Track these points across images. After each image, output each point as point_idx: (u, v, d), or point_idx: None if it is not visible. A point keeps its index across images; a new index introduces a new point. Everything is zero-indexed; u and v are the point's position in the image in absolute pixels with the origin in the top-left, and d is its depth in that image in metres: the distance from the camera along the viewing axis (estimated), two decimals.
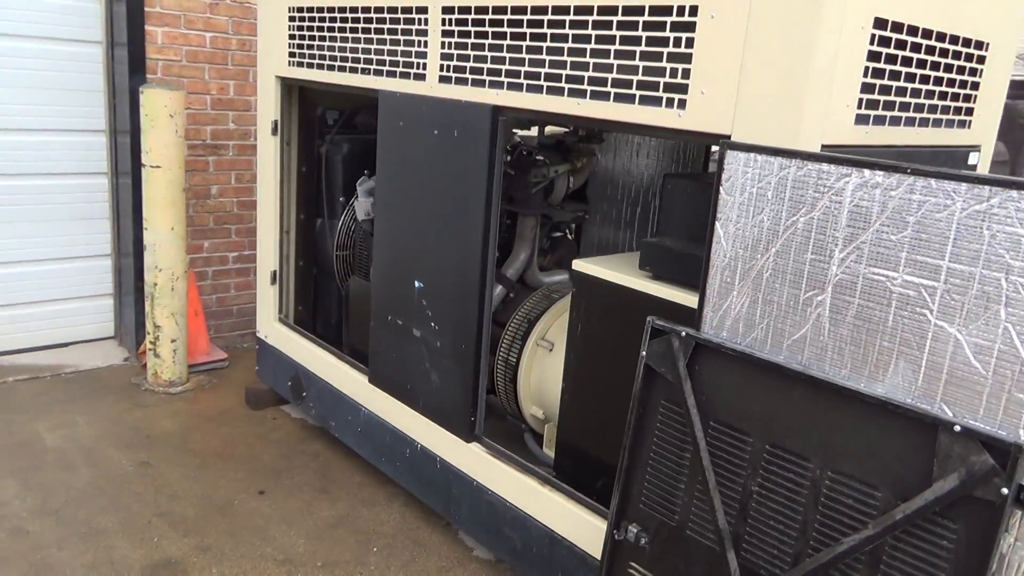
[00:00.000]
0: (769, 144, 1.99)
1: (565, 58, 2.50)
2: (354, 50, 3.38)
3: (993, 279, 1.65)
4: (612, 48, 2.35)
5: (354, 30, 3.36)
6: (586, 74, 2.44)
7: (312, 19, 3.59)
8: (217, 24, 4.73)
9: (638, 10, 2.27)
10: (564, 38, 2.49)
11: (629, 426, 2.32)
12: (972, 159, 2.70)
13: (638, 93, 2.31)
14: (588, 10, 2.40)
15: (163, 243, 4.33)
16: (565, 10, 2.47)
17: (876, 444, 1.83)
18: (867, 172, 1.81)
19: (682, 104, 2.20)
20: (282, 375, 4.21)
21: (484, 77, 2.79)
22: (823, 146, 2.04)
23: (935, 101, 2.41)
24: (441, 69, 2.96)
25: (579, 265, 2.77)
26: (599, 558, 2.61)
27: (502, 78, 2.73)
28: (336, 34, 3.47)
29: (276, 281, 4.22)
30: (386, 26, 3.19)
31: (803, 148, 1.98)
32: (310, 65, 3.67)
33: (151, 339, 4.46)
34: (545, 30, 2.54)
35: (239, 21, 4.80)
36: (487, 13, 2.73)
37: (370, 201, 3.92)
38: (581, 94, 2.47)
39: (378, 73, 3.27)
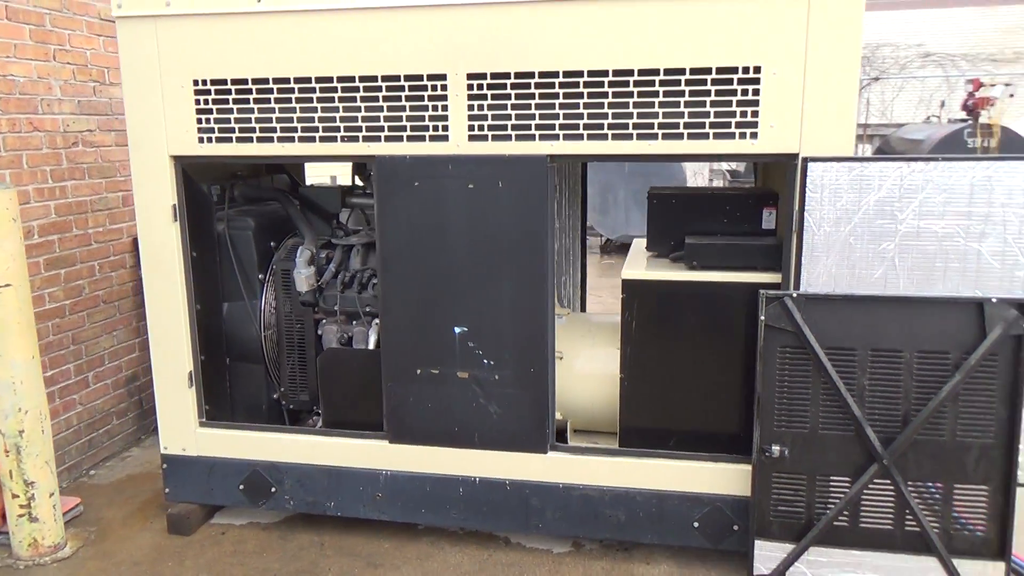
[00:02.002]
0: (830, 155, 2.99)
1: (631, 109, 3.12)
2: (326, 120, 3.36)
3: (997, 212, 2.92)
4: (682, 100, 3.08)
5: (326, 100, 3.34)
6: (656, 120, 3.11)
7: (246, 92, 3.40)
8: None
9: (706, 71, 3.04)
10: (629, 94, 3.11)
11: (759, 375, 3.12)
12: None
13: (711, 131, 3.08)
14: (654, 71, 3.07)
15: (26, 377, 3.47)
16: (628, 72, 3.09)
17: (943, 326, 2.98)
18: (913, 164, 2.94)
19: (754, 135, 3.06)
20: (222, 484, 3.78)
21: (533, 132, 3.21)
22: None
23: None
24: (471, 129, 3.25)
25: (629, 274, 3.42)
26: (710, 491, 3.35)
27: (556, 131, 3.19)
28: (294, 105, 3.37)
29: (194, 383, 3.76)
30: (381, 94, 3.29)
31: (851, 154, 3.02)
32: (243, 139, 3.45)
33: (23, 501, 3.52)
34: (607, 88, 3.12)
35: None
36: (532, 77, 3.16)
37: (312, 270, 3.82)
38: (652, 137, 3.13)
39: (371, 140, 3.34)
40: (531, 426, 3.46)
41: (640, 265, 3.52)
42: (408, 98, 3.28)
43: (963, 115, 10.53)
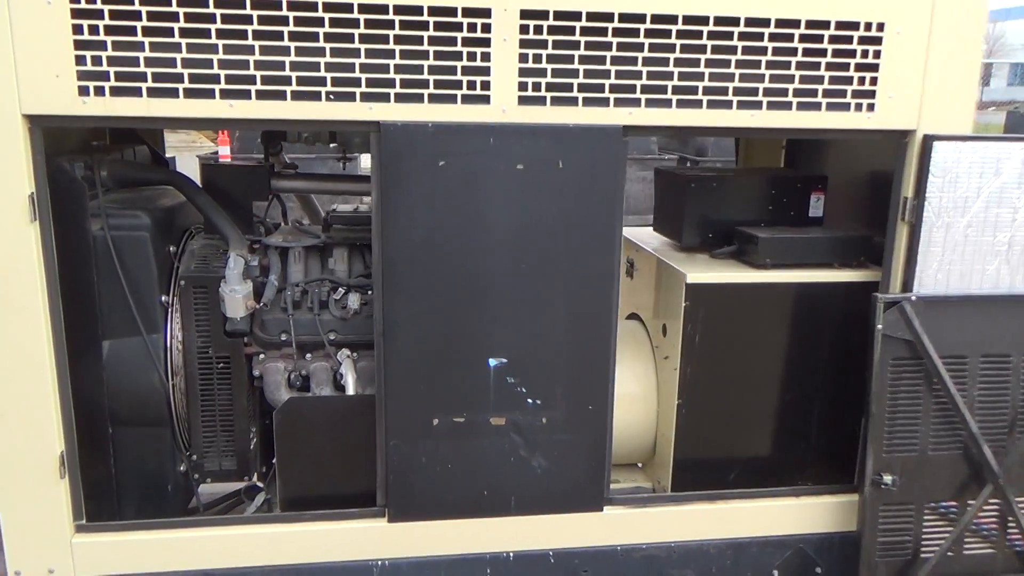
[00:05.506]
0: (952, 133, 2.56)
1: (733, 70, 2.43)
2: (304, 66, 2.26)
3: None
4: (794, 60, 2.45)
5: (304, 36, 2.23)
6: (761, 85, 2.46)
7: (167, 17, 2.17)
8: None
9: (823, 24, 2.44)
10: (731, 50, 2.41)
11: (874, 393, 2.63)
12: None
13: (824, 101, 2.50)
14: (763, 22, 2.40)
15: None
16: (733, 21, 2.39)
17: None
18: None
19: (871, 108, 2.52)
20: None
21: (606, 94, 2.40)
22: None
23: None
24: (522, 88, 2.36)
25: (694, 278, 2.75)
26: (792, 532, 2.86)
27: (636, 94, 2.41)
28: (251, 43, 2.22)
29: (67, 469, 2.44)
30: (393, 32, 2.27)
31: (961, 132, 2.61)
32: (160, 92, 2.22)
33: None
34: (705, 41, 2.39)
35: None
36: (611, 20, 2.34)
37: (250, 287, 2.64)
38: (755, 106, 2.47)
39: (374, 98, 2.31)
40: (585, 479, 2.68)
41: (698, 266, 2.86)
42: (433, 40, 2.29)
43: None
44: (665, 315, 2.94)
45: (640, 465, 3.25)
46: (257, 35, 2.22)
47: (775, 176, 3.09)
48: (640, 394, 3.02)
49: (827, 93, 2.50)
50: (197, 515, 2.87)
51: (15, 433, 2.38)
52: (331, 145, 3.02)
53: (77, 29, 2.15)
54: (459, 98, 2.34)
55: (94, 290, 2.51)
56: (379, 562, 2.63)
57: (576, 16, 2.32)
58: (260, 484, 2.83)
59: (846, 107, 2.52)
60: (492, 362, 2.53)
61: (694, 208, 3.03)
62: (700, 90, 2.44)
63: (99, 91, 2.20)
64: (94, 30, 2.16)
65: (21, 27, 2.13)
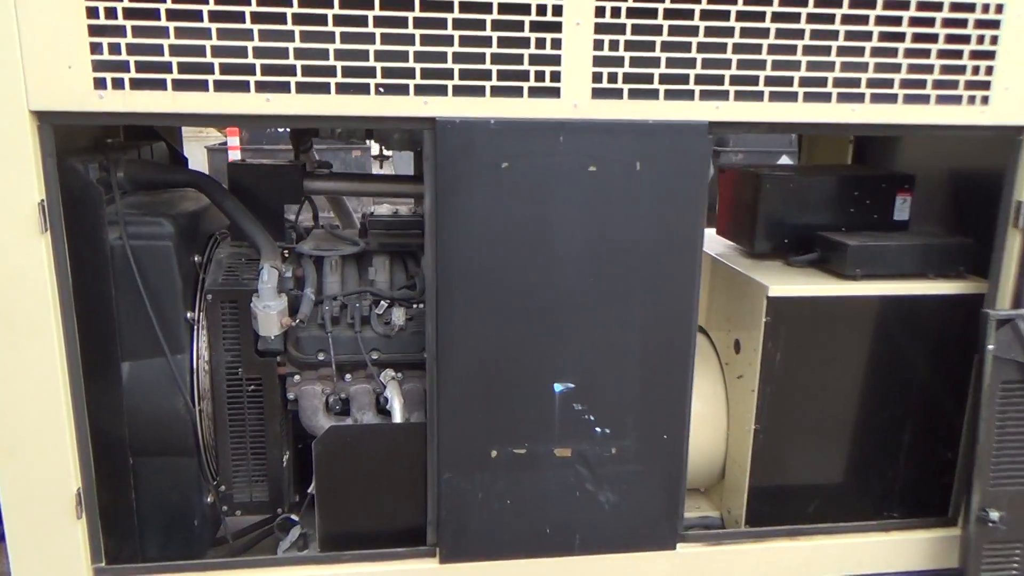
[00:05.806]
0: None
1: (834, 58, 2.15)
2: (349, 56, 1.98)
3: None
4: (902, 46, 2.16)
5: (350, 21, 1.95)
6: (865, 75, 2.17)
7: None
8: None
9: (935, 6, 2.15)
10: (832, 35, 2.13)
11: (981, 420, 2.36)
12: None
13: (933, 93, 2.21)
14: (868, 3, 2.12)
15: None
16: (834, 2, 2.10)
17: None
18: None
19: (984, 101, 2.24)
20: None
21: (691, 86, 2.11)
22: None
23: None
24: (597, 79, 2.08)
25: (777, 290, 2.47)
26: (879, 570, 2.59)
27: (725, 85, 2.13)
28: (291, 28, 1.94)
29: (84, 508, 2.18)
30: (451, 16, 1.99)
31: None
32: (186, 85, 1.94)
33: None
34: (803, 25, 2.11)
35: None
36: (698, 2, 2.05)
37: (285, 302, 2.37)
38: (857, 98, 2.18)
39: (429, 91, 2.03)
40: (658, 514, 2.41)
41: (778, 277, 2.58)
42: (496, 25, 2.01)
43: None
44: (738, 330, 2.66)
45: (703, 490, 2.99)
46: (298, 19, 1.94)
47: (858, 176, 2.80)
48: (708, 415, 2.76)
49: (937, 84, 2.21)
50: (225, 546, 2.62)
51: (28, 469, 2.12)
52: (367, 142, 2.75)
53: (92, 13, 1.88)
54: (525, 91, 2.06)
55: (112, 307, 2.24)
56: None
57: None
58: (295, 517, 2.56)
59: (957, 100, 2.23)
60: (558, 387, 2.26)
61: (768, 211, 2.74)
62: (796, 81, 2.15)
63: (117, 84, 1.92)
64: (111, 14, 1.88)
65: (28, 12, 1.86)
